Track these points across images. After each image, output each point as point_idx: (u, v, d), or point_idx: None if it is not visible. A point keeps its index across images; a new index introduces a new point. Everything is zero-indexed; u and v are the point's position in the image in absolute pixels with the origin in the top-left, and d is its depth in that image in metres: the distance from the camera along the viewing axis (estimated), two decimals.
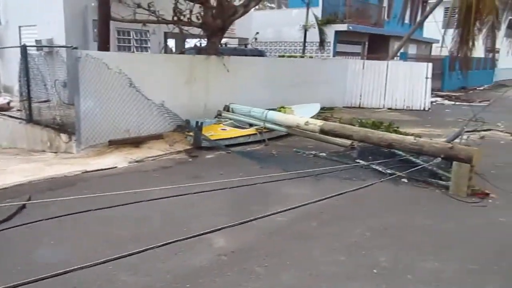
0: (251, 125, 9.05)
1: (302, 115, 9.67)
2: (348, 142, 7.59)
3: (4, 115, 9.68)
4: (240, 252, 3.88)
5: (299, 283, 3.43)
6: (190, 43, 15.23)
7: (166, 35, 14.43)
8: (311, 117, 10.12)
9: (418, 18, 19.79)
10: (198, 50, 10.83)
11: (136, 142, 7.97)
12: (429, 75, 15.20)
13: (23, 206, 4.75)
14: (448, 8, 22.15)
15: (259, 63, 12.21)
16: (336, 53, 20.05)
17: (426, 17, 18.53)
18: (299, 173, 5.72)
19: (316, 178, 6.04)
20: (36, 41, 11.97)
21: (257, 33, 11.61)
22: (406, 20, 22.02)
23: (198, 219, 4.62)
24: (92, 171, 6.35)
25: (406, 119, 12.92)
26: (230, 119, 9.47)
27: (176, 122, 8.38)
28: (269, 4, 29.22)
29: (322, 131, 7.48)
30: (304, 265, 3.67)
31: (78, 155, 7.30)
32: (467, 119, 9.69)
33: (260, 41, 21.59)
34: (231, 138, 8.28)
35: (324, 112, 13.18)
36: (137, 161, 7.11)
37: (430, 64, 15.46)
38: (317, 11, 19.47)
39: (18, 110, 9.41)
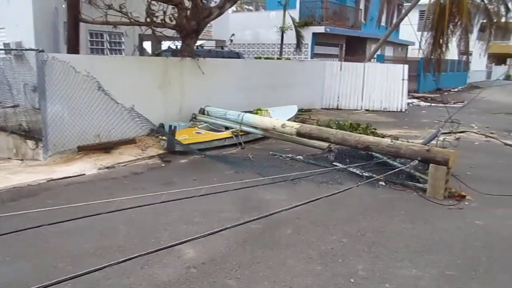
0: (227, 128, 8.87)
1: (279, 117, 9.55)
2: (325, 144, 7.49)
3: None
4: (211, 264, 3.68)
5: None
6: (166, 45, 14.95)
7: (142, 38, 14.12)
8: (288, 119, 10.03)
9: (394, 21, 20.01)
10: (173, 52, 10.58)
11: (106, 148, 7.66)
12: (406, 77, 15.33)
13: None
14: (423, 11, 22.54)
15: (236, 65, 12.04)
16: (314, 55, 20.08)
17: (402, 19, 18.74)
18: (275, 178, 5.55)
19: (293, 183, 5.90)
20: (4, 44, 11.51)
21: (233, 34, 11.47)
22: (383, 23, 22.26)
23: (167, 229, 4.41)
24: (58, 179, 6.04)
25: (383, 121, 12.96)
26: (206, 122, 9.26)
27: (148, 126, 8.10)
28: (246, 7, 29.16)
29: (299, 134, 7.36)
30: (279, 276, 3.49)
31: (44, 162, 6.96)
32: (443, 120, 9.74)
33: (237, 43, 21.50)
34: (206, 141, 8.07)
35: (302, 114, 13.11)
36: (107, 168, 6.82)
37: (406, 66, 15.60)
38: (295, 13, 19.48)
39: None
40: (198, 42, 16.45)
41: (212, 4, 10.74)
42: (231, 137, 8.41)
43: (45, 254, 3.80)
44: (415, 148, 5.70)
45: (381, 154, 6.45)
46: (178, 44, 10.69)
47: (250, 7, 29.21)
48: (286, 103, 11.98)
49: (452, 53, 21.08)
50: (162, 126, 9.07)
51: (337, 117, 12.69)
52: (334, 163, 6.94)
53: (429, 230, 4.50)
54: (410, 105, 17.15)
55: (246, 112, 8.99)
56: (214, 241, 4.06)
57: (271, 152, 7.81)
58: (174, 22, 9.76)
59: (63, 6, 10.60)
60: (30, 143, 7.35)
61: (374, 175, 6.13)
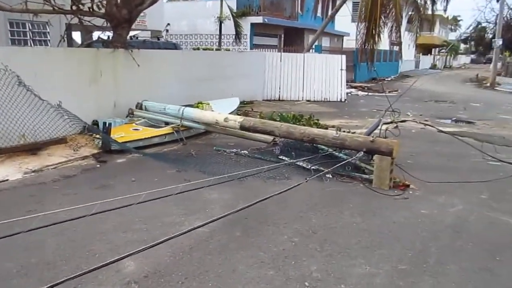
0: (167, 123, 8.41)
1: (221, 110, 9.23)
2: (270, 138, 7.31)
3: None
4: (154, 277, 3.34)
5: None
6: (100, 35, 14.01)
7: (70, 27, 13.08)
8: (231, 112, 9.75)
9: (330, 12, 20.31)
10: (104, 43, 9.84)
11: (33, 149, 6.91)
12: (344, 67, 15.62)
13: None
14: (356, 2, 23.11)
15: (174, 57, 11.51)
16: (253, 46, 19.91)
17: (337, 10, 19.07)
18: (220, 177, 5.23)
19: (239, 180, 5.64)
20: None
21: (168, 24, 10.95)
22: (319, 14, 22.55)
23: (103, 239, 3.97)
24: None
25: (324, 111, 13.09)
26: (144, 117, 8.72)
27: (80, 124, 7.43)
28: None
29: (243, 128, 7.11)
30: (229, 285, 3.24)
31: None
32: (382, 109, 9.97)
33: (174, 34, 20.76)
34: (144, 138, 7.57)
35: (244, 106, 12.90)
36: (34, 171, 6.13)
37: (344, 56, 15.90)
38: (232, 3, 19.11)
39: None
40: (132, 33, 15.61)
41: None
42: (172, 132, 7.98)
43: None
44: (360, 140, 5.68)
45: (327, 146, 6.38)
46: (110, 34, 9.97)
47: None
48: (228, 96, 11.68)
49: (383, 43, 21.92)
50: (96, 123, 8.42)
51: (279, 109, 12.63)
52: (280, 157, 6.79)
53: (378, 223, 4.47)
54: (349, 94, 17.57)
55: (187, 106, 8.58)
56: (157, 250, 3.68)
57: (215, 148, 7.50)
58: (103, 10, 9.04)
59: None
60: None
61: (321, 168, 6.05)
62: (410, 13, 24.64)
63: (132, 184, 5.62)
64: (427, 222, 4.54)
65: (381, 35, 18.76)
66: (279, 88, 15.26)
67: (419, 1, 22.86)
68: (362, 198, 5.20)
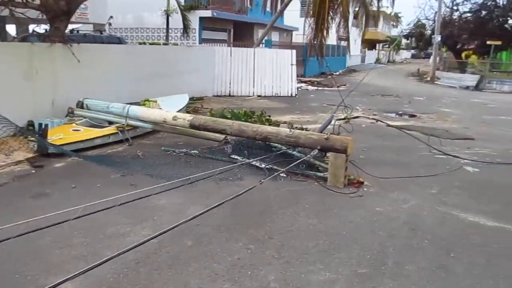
0: (110, 123, 7.89)
1: (170, 108, 8.83)
2: (222, 136, 7.04)
3: None
4: None
5: None
6: (35, 28, 12.99)
7: (4, 20, 12.04)
8: (180, 109, 9.36)
9: (279, 7, 20.24)
10: (41, 37, 9.08)
11: None
12: (294, 62, 15.60)
13: None
14: None
15: (119, 52, 10.90)
16: (202, 40, 19.43)
17: (287, 5, 19.02)
18: (168, 183, 4.86)
19: (190, 181, 5.30)
20: None
21: (111, 17, 10.33)
22: (268, 8, 22.45)
23: (37, 257, 3.54)
24: None
25: (276, 106, 13.00)
26: (85, 117, 8.14)
27: (11, 126, 6.76)
28: None
29: (193, 126, 6.79)
30: None
31: None
32: (333, 104, 10.01)
33: (119, 28, 19.82)
34: (86, 140, 7.02)
35: (194, 103, 12.52)
36: None
37: (294, 51, 15.89)
38: None
39: None
40: (74, 26, 14.65)
41: None
42: (116, 133, 7.48)
43: None
44: (315, 137, 5.56)
45: (280, 144, 6.22)
46: (47, 27, 9.22)
47: None
48: (177, 92, 11.25)
49: (331, 38, 22.20)
50: (31, 124, 7.75)
51: (230, 105, 12.37)
52: (232, 156, 6.54)
53: (335, 223, 4.36)
54: (299, 89, 17.62)
55: (133, 103, 8.10)
56: (98, 267, 3.33)
57: (163, 148, 7.11)
58: (38, 1, 8.32)
59: None
60: None
61: (275, 167, 5.88)
62: (356, 9, 25.18)
63: (72, 191, 5.15)
64: (382, 220, 4.49)
65: (329, 30, 18.95)
66: (230, 84, 14.98)
67: None
68: (318, 197, 5.08)
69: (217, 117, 8.54)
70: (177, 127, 7.15)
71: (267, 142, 6.38)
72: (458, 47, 31.10)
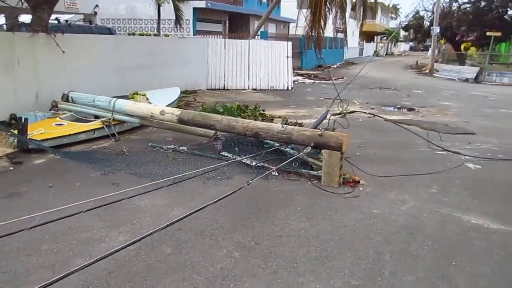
0: (97, 117, 7.55)
1: (160, 101, 8.50)
2: (212, 131, 6.71)
3: None
4: None
5: None
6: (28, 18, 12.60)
7: None
8: (171, 103, 9.03)
9: None
10: (20, 26, 8.70)
11: None
12: (290, 54, 15.22)
13: None
14: None
15: (106, 42, 10.51)
16: (197, 32, 19.01)
17: None
18: (152, 183, 4.53)
19: (175, 181, 4.99)
20: None
21: (97, 6, 9.90)
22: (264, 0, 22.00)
23: (1, 267, 3.22)
24: None
25: (271, 100, 12.66)
26: (70, 111, 7.78)
27: None
28: None
29: (181, 121, 6.46)
30: None
31: None
32: (330, 98, 9.68)
33: (111, 18, 19.35)
34: (69, 135, 6.68)
35: (187, 96, 12.18)
36: None
37: (290, 43, 15.50)
38: None
39: None
40: (67, 17, 14.21)
41: None
42: (102, 127, 7.14)
43: None
44: (308, 134, 5.23)
45: (272, 141, 5.90)
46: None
47: None
48: (169, 85, 10.90)
49: (328, 30, 21.79)
50: (14, 118, 7.42)
51: (224, 98, 12.03)
52: (222, 153, 6.22)
53: (328, 227, 4.04)
54: (296, 82, 17.25)
55: (121, 97, 7.75)
56: (65, 278, 3.02)
57: (150, 144, 6.78)
58: None
59: None
60: None
61: (266, 165, 5.56)
62: (354, 0, 24.74)
63: (49, 191, 4.82)
64: (379, 223, 4.18)
65: (327, 22, 18.54)
66: (224, 77, 14.60)
67: None
68: (310, 198, 4.76)
69: (209, 111, 8.20)
70: (165, 122, 6.82)
71: (258, 138, 6.07)
72: (457, 38, 30.68)
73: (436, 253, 3.65)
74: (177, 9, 14.80)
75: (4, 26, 13.25)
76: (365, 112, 7.62)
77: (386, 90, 16.91)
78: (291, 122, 8.65)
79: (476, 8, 28.25)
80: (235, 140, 6.43)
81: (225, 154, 6.15)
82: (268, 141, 6.10)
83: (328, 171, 5.09)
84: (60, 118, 7.40)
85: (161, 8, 15.88)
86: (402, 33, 63.32)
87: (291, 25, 28.14)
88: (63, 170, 5.55)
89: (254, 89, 14.72)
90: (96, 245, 3.58)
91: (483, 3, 28.12)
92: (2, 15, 14.71)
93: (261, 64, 14.94)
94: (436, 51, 29.82)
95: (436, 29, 26.87)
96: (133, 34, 15.04)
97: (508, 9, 27.48)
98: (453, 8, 30.34)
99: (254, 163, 5.58)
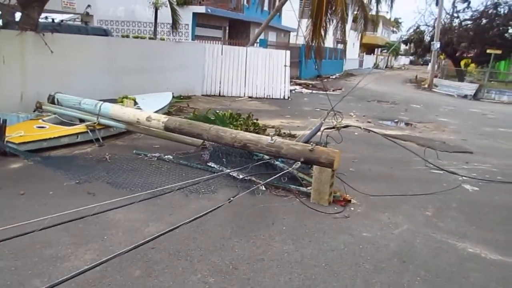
0: (82, 120, 7.26)
1: (150, 106, 8.25)
2: (200, 140, 6.42)
3: None
4: None
5: None
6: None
7: None
8: (162, 108, 8.77)
9: (277, 4, 19.66)
10: (15, 24, 8.43)
11: None
12: (288, 63, 15.01)
13: None
14: None
15: (98, 44, 10.25)
16: (196, 37, 18.82)
17: (283, 4, 18.42)
18: (128, 197, 4.21)
19: (153, 194, 4.68)
20: None
21: (89, 6, 9.64)
22: (266, 8, 21.85)
23: None
24: None
25: (266, 109, 12.39)
26: (55, 113, 7.49)
27: None
28: None
29: (167, 129, 6.18)
30: None
31: None
32: (326, 109, 9.41)
33: (110, 20, 19.13)
34: (50, 139, 6.38)
35: (181, 102, 11.92)
36: None
37: (288, 52, 15.29)
38: None
39: None
40: (65, 16, 13.96)
41: None
42: (86, 132, 6.85)
43: None
44: (298, 148, 4.95)
45: (261, 154, 5.61)
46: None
47: None
48: (162, 89, 10.66)
49: (328, 41, 21.63)
50: None
51: (218, 105, 11.77)
52: (209, 164, 5.93)
53: (314, 252, 3.74)
54: (293, 92, 17.02)
55: (112, 100, 7.48)
56: None
57: (135, 151, 6.48)
58: None
59: None
60: None
61: (253, 179, 5.27)
62: (355, 12, 24.64)
63: (19, 199, 4.51)
64: (369, 249, 3.89)
65: (327, 32, 18.38)
66: (220, 83, 14.35)
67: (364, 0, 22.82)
68: (297, 217, 4.46)
69: (200, 118, 7.93)
70: (152, 129, 6.54)
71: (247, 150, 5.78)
72: (457, 54, 30.57)
73: (429, 286, 3.35)
74: (174, 13, 14.59)
75: None
76: (360, 127, 7.32)
77: (384, 103, 16.68)
78: (284, 133, 8.40)
79: (477, 25, 28.15)
80: (223, 151, 6.14)
81: (212, 165, 5.86)
82: (257, 152, 5.82)
83: (318, 189, 4.80)
84: (43, 121, 7.10)
85: (158, 11, 15.68)
86: (403, 46, 63.49)
87: (292, 34, 28.03)
88: (40, 176, 5.25)
89: (250, 97, 14.47)
90: (59, 264, 3.27)
91: (484, 21, 28.03)
92: None
93: (258, 72, 14.71)
94: (436, 66, 29.69)
95: (436, 44, 26.74)
96: (127, 36, 14.81)
97: (509, 27, 27.39)
98: (454, 24, 30.24)
99: (240, 177, 5.28)
